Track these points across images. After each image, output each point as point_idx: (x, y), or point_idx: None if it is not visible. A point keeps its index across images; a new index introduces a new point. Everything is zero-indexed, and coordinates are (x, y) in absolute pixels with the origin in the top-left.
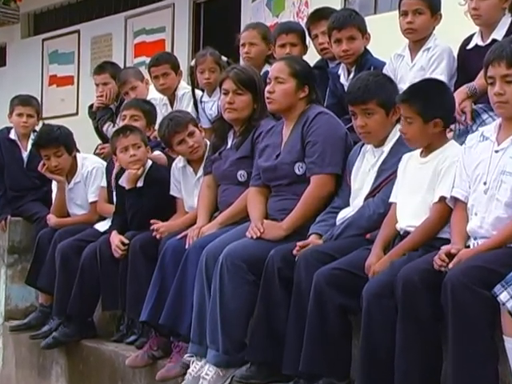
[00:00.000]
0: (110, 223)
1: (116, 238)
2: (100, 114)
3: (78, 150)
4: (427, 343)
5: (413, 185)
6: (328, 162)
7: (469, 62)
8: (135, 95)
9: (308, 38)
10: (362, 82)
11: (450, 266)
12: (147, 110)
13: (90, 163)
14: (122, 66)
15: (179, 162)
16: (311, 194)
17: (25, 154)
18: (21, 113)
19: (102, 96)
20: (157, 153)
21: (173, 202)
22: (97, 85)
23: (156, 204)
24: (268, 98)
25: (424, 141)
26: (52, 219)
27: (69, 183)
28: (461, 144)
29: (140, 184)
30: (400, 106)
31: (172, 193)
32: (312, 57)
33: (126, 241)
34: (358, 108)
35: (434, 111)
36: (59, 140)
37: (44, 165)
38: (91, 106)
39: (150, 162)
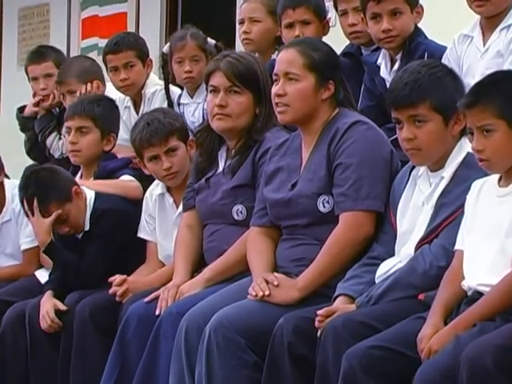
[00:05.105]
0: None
1: (49, 302)
2: (42, 123)
3: (6, 176)
4: None
5: (488, 226)
6: (365, 194)
7: None
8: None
9: (332, 13)
10: (411, 76)
11: None
12: (98, 114)
13: None
14: (63, 51)
15: (156, 189)
16: (340, 238)
17: None
18: None
19: (44, 95)
20: (126, 178)
21: (141, 246)
22: (34, 78)
23: (109, 255)
24: (278, 103)
25: None
26: None
27: None
28: None
29: (86, 228)
30: (466, 114)
31: (141, 234)
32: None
33: (63, 307)
34: (404, 113)
35: None
36: None
37: None
38: (21, 109)
39: (91, 195)
